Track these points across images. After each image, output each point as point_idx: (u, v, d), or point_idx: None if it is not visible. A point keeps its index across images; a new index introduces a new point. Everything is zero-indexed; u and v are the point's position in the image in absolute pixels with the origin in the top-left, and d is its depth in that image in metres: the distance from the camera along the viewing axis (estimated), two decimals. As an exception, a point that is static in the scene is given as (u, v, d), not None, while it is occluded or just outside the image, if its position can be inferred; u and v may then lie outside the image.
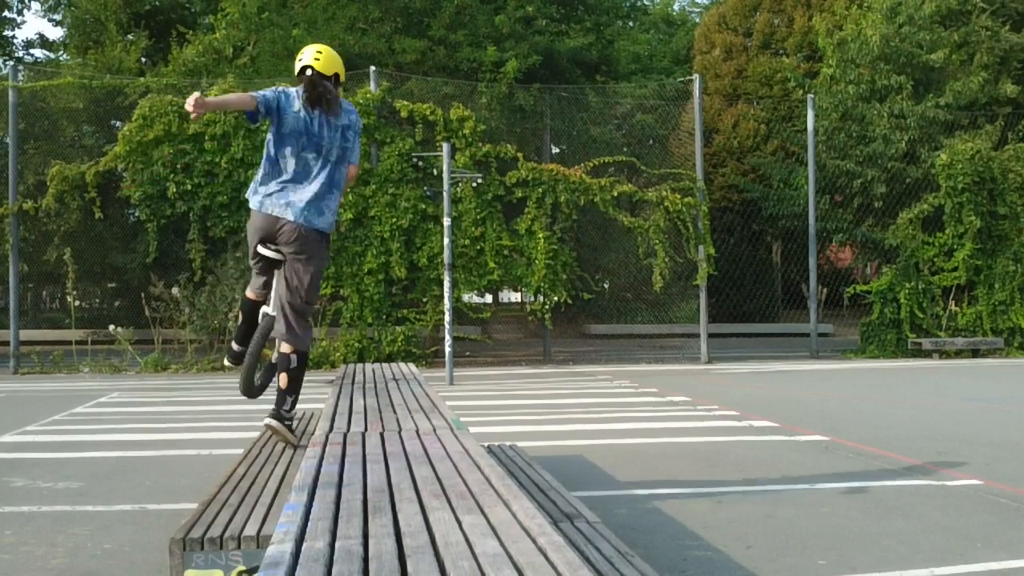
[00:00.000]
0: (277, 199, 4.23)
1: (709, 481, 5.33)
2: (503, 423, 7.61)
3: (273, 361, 4.55)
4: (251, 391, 4.58)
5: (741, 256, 20.86)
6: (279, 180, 4.25)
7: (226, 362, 4.79)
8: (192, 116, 3.98)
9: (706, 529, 4.22)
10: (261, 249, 4.28)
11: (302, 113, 4.23)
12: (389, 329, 13.93)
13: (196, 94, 3.94)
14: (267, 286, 4.46)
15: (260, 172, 4.31)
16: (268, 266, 4.38)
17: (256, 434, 5.38)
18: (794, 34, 24.99)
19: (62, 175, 13.89)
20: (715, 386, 11.23)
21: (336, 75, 4.41)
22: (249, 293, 4.54)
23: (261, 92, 4.23)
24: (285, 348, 4.30)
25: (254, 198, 4.30)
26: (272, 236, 4.25)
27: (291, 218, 4.20)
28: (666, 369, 13.96)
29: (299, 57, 4.42)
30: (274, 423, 4.22)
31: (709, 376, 12.73)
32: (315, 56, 4.36)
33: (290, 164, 4.25)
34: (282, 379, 4.27)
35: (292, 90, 4.31)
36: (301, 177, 4.25)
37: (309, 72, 4.32)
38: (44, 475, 5.64)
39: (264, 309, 4.49)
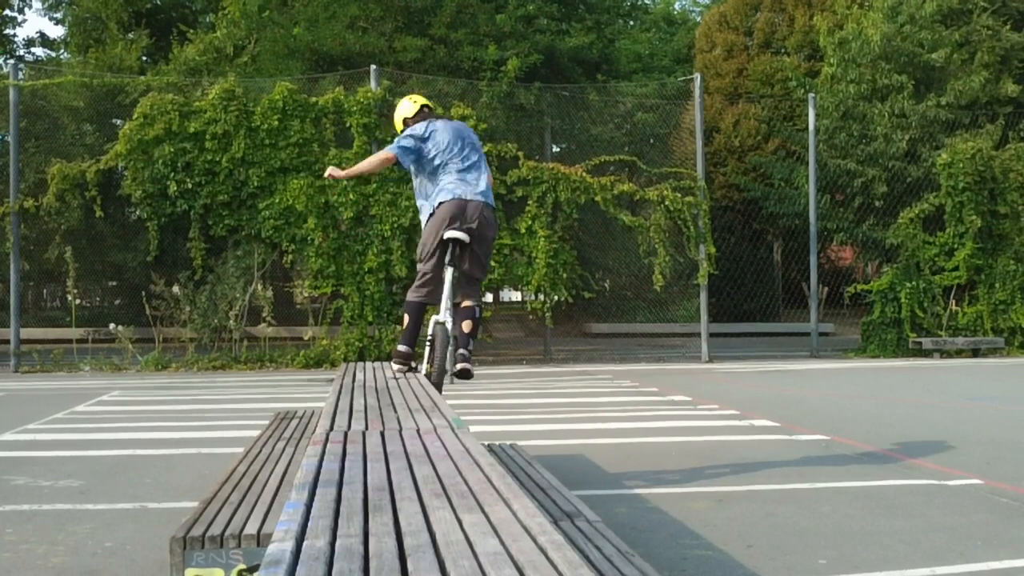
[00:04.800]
0: (461, 188, 4.95)
1: (709, 480, 5.33)
2: (503, 422, 7.61)
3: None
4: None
5: (742, 255, 20.85)
6: (453, 173, 5.00)
7: (394, 365, 5.02)
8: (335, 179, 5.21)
9: (706, 528, 4.22)
10: (453, 233, 4.83)
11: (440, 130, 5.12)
12: (390, 328, 13.92)
13: (331, 169, 5.19)
14: (437, 287, 4.98)
15: (435, 191, 4.99)
16: (442, 261, 4.94)
17: (257, 432, 5.38)
18: (795, 33, 24.97)
19: (63, 173, 13.88)
20: (715, 385, 11.23)
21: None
22: (414, 296, 5.07)
23: (397, 147, 5.03)
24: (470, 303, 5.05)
25: (442, 195, 4.93)
26: (462, 215, 4.88)
27: (480, 199, 4.99)
28: (667, 368, 13.96)
29: (413, 101, 5.37)
30: (468, 365, 4.90)
31: (710, 375, 12.73)
32: (423, 98, 5.45)
33: (455, 162, 5.04)
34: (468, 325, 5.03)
35: (424, 124, 5.15)
36: (467, 170, 5.04)
37: (427, 109, 5.36)
38: (45, 473, 5.65)
39: (436, 317, 4.90)
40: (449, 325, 4.84)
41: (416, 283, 5.07)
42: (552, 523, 2.81)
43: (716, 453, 6.21)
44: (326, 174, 5.20)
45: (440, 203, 4.93)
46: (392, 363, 5.05)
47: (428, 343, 4.93)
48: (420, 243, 5.07)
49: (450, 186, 4.95)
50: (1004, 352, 16.17)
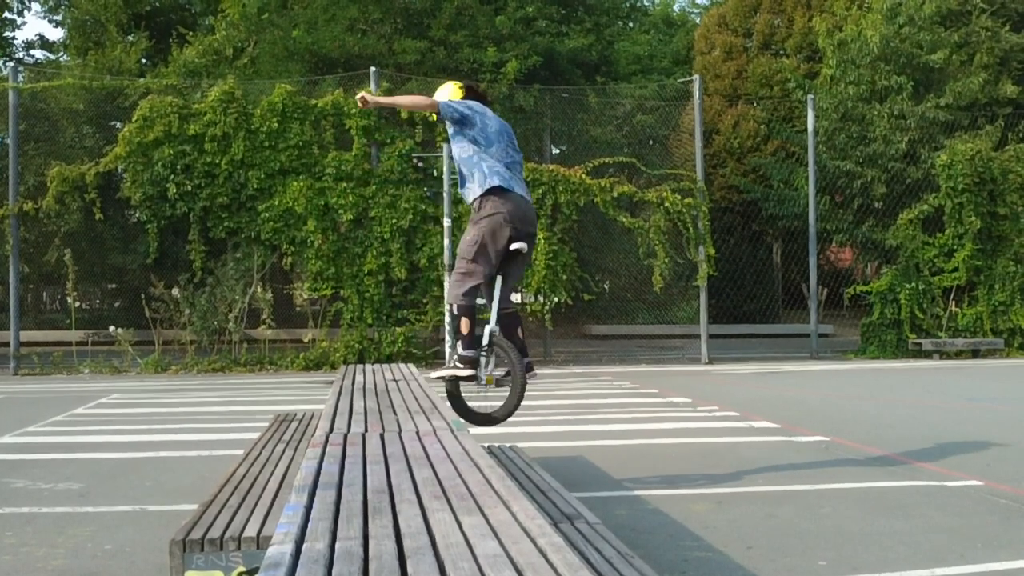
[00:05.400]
0: (518, 185, 4.84)
1: (709, 482, 5.32)
2: (502, 424, 7.59)
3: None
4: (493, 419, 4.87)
5: (741, 256, 20.84)
6: (500, 163, 4.84)
7: (459, 372, 4.83)
8: (365, 107, 4.87)
9: (706, 530, 4.22)
10: (521, 245, 4.77)
11: (491, 116, 4.98)
12: (389, 330, 13.93)
13: (363, 94, 4.85)
14: (484, 287, 4.87)
15: (485, 165, 4.78)
16: (497, 266, 4.85)
17: (256, 435, 5.38)
18: (794, 35, 24.96)
19: (62, 176, 13.89)
20: (715, 387, 11.23)
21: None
22: (468, 300, 4.84)
23: (447, 103, 4.84)
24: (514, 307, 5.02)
25: (496, 179, 4.76)
26: (523, 220, 4.80)
27: (530, 198, 4.94)
28: (666, 370, 13.96)
29: (459, 87, 5.10)
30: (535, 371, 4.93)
31: (709, 377, 12.72)
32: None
33: (500, 153, 4.90)
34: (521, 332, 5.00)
35: (477, 103, 4.98)
36: (513, 164, 4.93)
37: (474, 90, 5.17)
38: (44, 476, 5.65)
39: (489, 327, 4.83)
40: (497, 331, 4.82)
41: (465, 283, 4.76)
42: (552, 525, 2.81)
43: (716, 455, 6.21)
44: (357, 97, 4.91)
45: (498, 188, 4.69)
46: (454, 370, 4.82)
47: (487, 354, 4.82)
48: (470, 239, 4.75)
49: (506, 173, 4.77)
50: (1004, 353, 16.17)
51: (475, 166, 4.78)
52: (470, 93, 5.08)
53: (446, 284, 11.83)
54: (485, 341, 4.81)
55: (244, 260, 13.96)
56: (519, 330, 4.94)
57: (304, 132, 14.05)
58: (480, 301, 4.89)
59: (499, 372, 4.82)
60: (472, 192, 4.78)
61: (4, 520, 4.53)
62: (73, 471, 5.80)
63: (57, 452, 6.53)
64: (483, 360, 4.82)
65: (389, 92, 14.52)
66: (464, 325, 4.81)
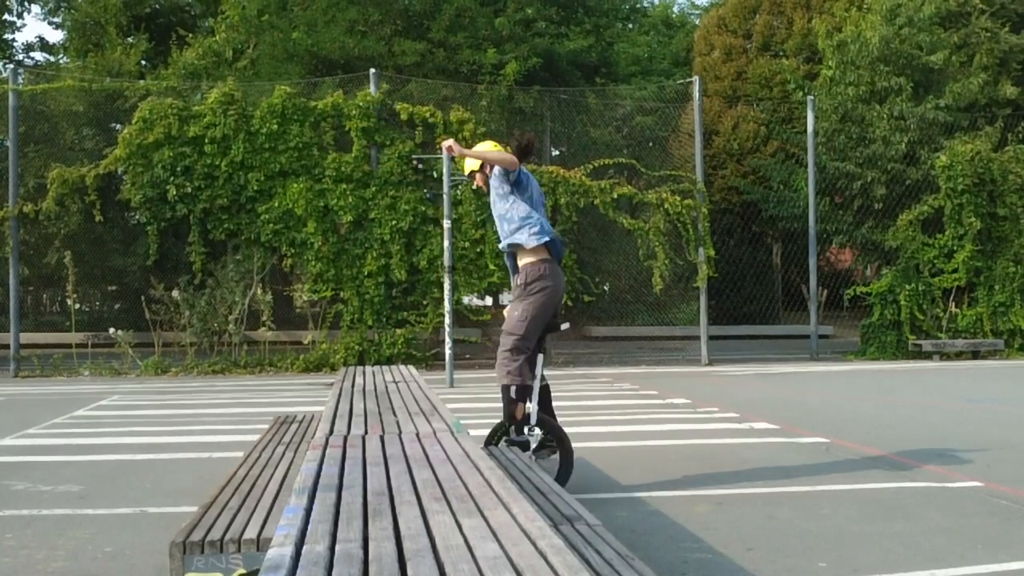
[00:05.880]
0: (559, 261, 5.01)
1: (710, 483, 5.32)
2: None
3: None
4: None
5: (741, 258, 20.84)
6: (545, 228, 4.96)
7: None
8: (451, 154, 4.91)
9: (707, 531, 4.22)
10: (566, 326, 5.03)
11: (533, 180, 5.12)
12: (389, 332, 13.92)
13: (451, 141, 4.89)
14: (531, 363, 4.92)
15: (537, 225, 4.89)
16: (542, 343, 5.00)
17: (256, 436, 5.38)
18: (794, 36, 24.96)
19: (62, 178, 13.90)
20: (715, 388, 11.23)
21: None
22: (521, 380, 4.84)
23: (521, 166, 4.94)
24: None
25: (548, 237, 4.91)
26: (562, 293, 5.00)
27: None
28: (666, 371, 13.96)
29: (495, 145, 5.24)
30: None
31: (709, 378, 12.72)
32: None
33: (539, 219, 4.97)
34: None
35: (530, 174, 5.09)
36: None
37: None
38: (44, 478, 5.65)
39: (534, 407, 4.88)
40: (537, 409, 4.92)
41: (517, 359, 4.81)
42: (552, 527, 2.81)
43: (716, 456, 6.21)
44: (445, 144, 4.96)
45: (550, 257, 4.88)
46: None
47: (534, 433, 4.87)
48: (519, 314, 4.81)
49: (557, 242, 4.96)
50: (1004, 354, 16.17)
51: (535, 222, 4.91)
52: (519, 152, 5.04)
53: (446, 286, 11.83)
54: (533, 420, 4.86)
55: (244, 262, 13.97)
56: (551, 401, 5.07)
57: (304, 134, 14.06)
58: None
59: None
60: (529, 238, 4.86)
61: (4, 522, 4.53)
62: (73, 473, 5.80)
63: (57, 454, 6.53)
64: (532, 441, 4.88)
65: (388, 94, 14.54)
66: (520, 410, 4.86)
